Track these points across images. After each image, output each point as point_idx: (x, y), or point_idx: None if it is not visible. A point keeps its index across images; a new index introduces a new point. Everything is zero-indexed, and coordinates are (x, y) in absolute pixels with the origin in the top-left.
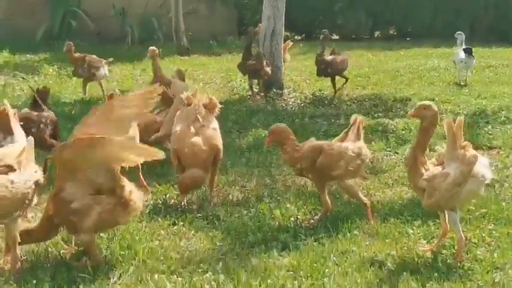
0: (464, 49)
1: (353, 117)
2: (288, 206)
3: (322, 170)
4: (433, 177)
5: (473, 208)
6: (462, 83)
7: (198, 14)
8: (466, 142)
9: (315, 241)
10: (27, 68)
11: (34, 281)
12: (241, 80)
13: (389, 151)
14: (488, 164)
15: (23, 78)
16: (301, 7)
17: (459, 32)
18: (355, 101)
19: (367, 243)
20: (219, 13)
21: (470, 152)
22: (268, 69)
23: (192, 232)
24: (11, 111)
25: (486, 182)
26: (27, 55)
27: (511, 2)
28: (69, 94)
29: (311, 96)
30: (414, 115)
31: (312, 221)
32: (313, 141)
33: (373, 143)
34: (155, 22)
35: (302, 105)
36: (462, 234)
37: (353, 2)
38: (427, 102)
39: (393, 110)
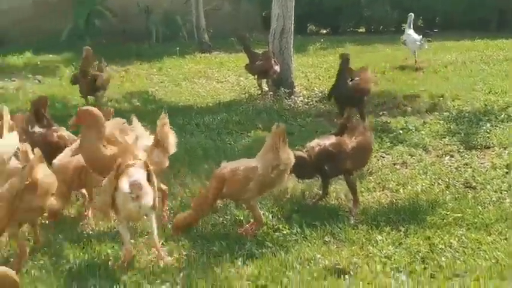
0: (425, 32)
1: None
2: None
3: None
4: None
5: (448, 213)
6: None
7: (222, 10)
8: None
9: (281, 249)
10: (45, 69)
11: None
12: (254, 79)
13: (382, 152)
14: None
15: (38, 80)
16: (326, 1)
17: (410, 14)
18: None
19: (334, 248)
20: (243, 10)
21: None
22: (277, 68)
23: (161, 242)
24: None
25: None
26: (50, 56)
27: None
28: (79, 97)
29: (320, 94)
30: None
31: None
32: None
33: None
34: (179, 19)
35: (310, 103)
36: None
37: None
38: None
39: (400, 108)
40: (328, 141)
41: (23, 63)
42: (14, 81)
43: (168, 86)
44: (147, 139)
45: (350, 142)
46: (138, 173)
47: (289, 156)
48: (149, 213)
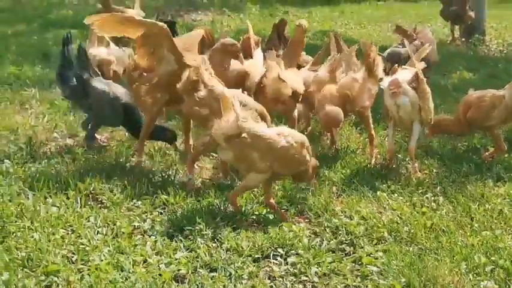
0: None
1: None
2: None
3: None
4: None
5: None
6: None
7: None
8: None
9: None
10: (232, 6)
11: None
12: (439, 25)
13: None
14: None
15: (228, 15)
16: None
17: None
18: None
19: None
20: None
21: None
22: (471, 14)
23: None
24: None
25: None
26: None
27: None
28: (267, 31)
29: None
30: None
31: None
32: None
33: None
34: None
35: (505, 52)
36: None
37: None
38: None
39: None
40: None
41: (208, 1)
42: (208, 15)
43: (355, 28)
44: None
45: None
46: (402, 75)
47: None
48: (412, 119)
